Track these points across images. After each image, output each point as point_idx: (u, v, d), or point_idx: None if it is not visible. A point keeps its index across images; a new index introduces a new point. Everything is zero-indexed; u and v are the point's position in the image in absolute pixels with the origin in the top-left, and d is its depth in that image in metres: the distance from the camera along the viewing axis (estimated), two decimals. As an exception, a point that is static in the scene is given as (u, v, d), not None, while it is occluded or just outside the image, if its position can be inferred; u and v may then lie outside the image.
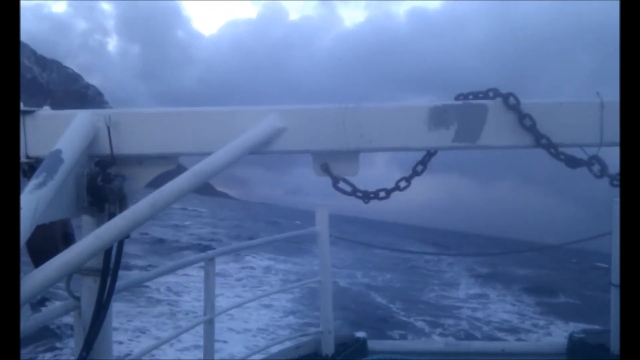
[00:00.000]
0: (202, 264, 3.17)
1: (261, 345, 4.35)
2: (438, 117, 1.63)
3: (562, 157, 1.60)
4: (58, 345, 9.91)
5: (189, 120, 1.68)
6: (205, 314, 3.11)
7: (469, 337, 15.17)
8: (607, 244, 4.06)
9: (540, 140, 1.59)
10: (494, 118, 1.62)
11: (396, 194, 1.79)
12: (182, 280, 16.50)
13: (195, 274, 15.50)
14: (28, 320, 1.50)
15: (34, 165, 1.64)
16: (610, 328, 3.97)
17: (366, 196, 1.75)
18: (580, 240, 5.05)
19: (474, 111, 1.63)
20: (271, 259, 26.58)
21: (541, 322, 18.48)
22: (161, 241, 30.40)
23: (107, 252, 1.65)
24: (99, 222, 1.58)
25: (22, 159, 1.65)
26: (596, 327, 13.89)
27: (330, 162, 1.71)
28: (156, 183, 1.67)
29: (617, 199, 3.85)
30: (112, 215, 1.61)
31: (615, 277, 3.96)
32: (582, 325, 17.27)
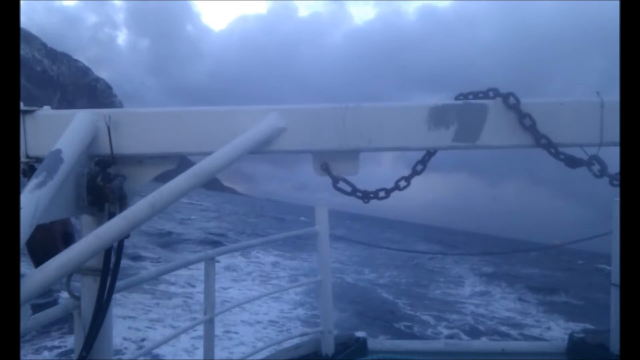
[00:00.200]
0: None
1: (272, 337, 4.37)
2: (438, 116, 1.63)
3: (562, 156, 1.59)
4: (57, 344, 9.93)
5: (189, 119, 1.68)
6: (205, 314, 3.11)
7: (473, 330, 15.47)
8: (610, 245, 4.06)
9: (540, 140, 1.58)
10: (493, 118, 1.62)
11: (398, 193, 1.79)
12: (196, 273, 16.51)
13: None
14: (28, 320, 1.50)
15: (34, 165, 1.65)
16: (610, 328, 3.97)
17: (366, 196, 1.75)
18: (581, 240, 5.05)
19: (474, 111, 1.63)
20: (278, 255, 26.89)
21: (543, 320, 18.65)
22: (169, 234, 30.78)
23: (107, 252, 1.65)
24: (99, 222, 1.59)
25: (22, 158, 1.65)
26: (596, 327, 13.97)
27: (330, 162, 1.71)
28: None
29: (617, 199, 3.85)
30: (112, 215, 1.61)
31: (615, 277, 3.96)
32: (582, 325, 17.37)
